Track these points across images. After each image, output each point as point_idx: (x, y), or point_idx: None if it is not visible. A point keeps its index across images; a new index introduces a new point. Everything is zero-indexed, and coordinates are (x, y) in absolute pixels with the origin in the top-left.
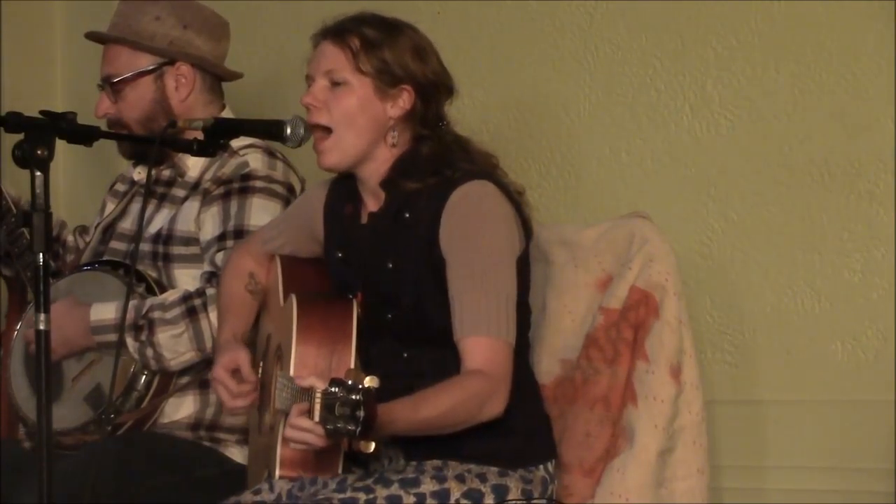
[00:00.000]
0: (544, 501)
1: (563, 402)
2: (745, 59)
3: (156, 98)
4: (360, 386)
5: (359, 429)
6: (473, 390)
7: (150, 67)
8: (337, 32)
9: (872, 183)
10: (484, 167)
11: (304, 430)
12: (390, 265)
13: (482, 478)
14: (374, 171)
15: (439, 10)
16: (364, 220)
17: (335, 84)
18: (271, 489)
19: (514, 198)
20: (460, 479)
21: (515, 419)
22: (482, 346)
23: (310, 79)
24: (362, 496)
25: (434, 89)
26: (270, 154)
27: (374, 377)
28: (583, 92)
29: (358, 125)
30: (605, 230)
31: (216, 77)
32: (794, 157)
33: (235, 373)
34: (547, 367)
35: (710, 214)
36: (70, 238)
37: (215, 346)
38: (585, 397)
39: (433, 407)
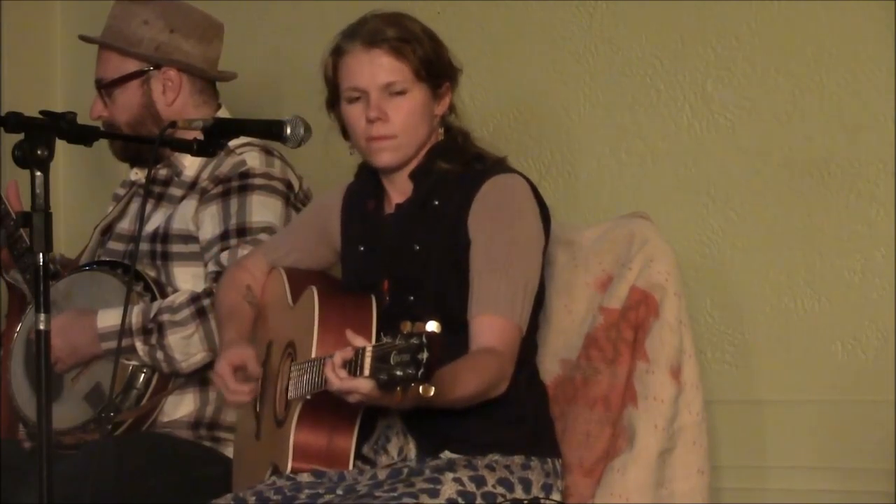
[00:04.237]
0: (559, 497)
1: (563, 402)
2: (745, 59)
3: (143, 102)
4: (419, 332)
5: (421, 370)
6: (491, 371)
7: (136, 72)
8: (385, 41)
9: (872, 183)
10: (503, 159)
11: (350, 387)
12: (417, 248)
13: (509, 469)
14: (406, 168)
15: (439, 11)
16: (390, 210)
17: (395, 94)
18: (291, 481)
19: (540, 196)
20: (490, 468)
21: (525, 411)
22: (496, 326)
23: (357, 91)
24: (402, 487)
25: (457, 74)
26: (267, 152)
27: (436, 322)
28: (583, 92)
29: (421, 128)
30: (605, 230)
31: (207, 80)
32: (794, 157)
33: (238, 370)
34: (547, 367)
35: (710, 214)
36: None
37: (219, 347)
38: (585, 397)
39: (465, 387)
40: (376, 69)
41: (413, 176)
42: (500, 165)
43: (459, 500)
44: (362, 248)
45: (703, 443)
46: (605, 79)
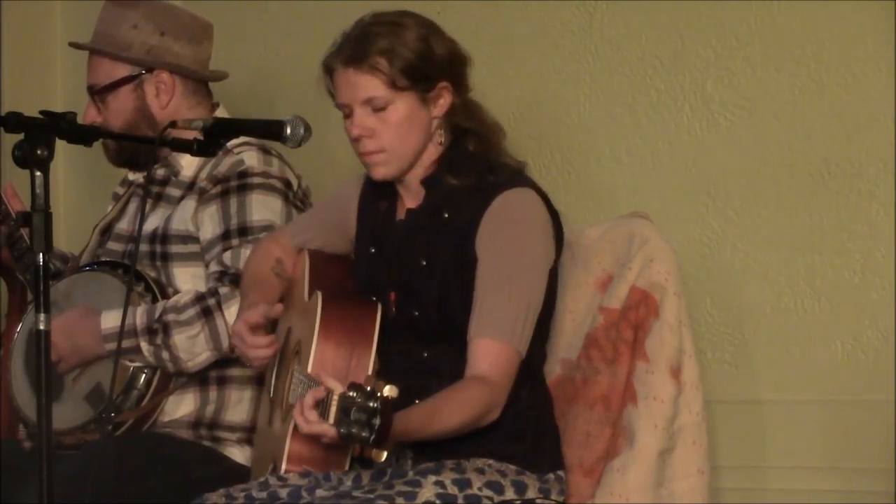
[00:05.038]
0: (562, 499)
1: (563, 402)
2: (745, 59)
3: (137, 106)
4: (379, 394)
5: (373, 437)
6: (479, 403)
7: (129, 76)
8: (359, 58)
9: (872, 183)
10: (520, 166)
11: (318, 431)
12: (423, 262)
13: (502, 473)
14: (417, 174)
15: (439, 11)
16: (401, 216)
17: (377, 109)
18: (281, 481)
19: (553, 207)
20: (480, 471)
21: (525, 426)
22: (492, 351)
23: (345, 107)
24: (381, 489)
25: (461, 70)
26: (265, 151)
27: (394, 387)
28: (583, 92)
29: (411, 138)
30: (605, 230)
31: (199, 80)
32: (794, 157)
33: (255, 329)
34: (547, 368)
35: (710, 214)
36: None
37: (239, 313)
38: (585, 397)
39: (445, 422)
40: (353, 88)
41: (425, 184)
42: (515, 177)
43: (437, 502)
44: (373, 250)
45: (702, 443)
46: (605, 79)
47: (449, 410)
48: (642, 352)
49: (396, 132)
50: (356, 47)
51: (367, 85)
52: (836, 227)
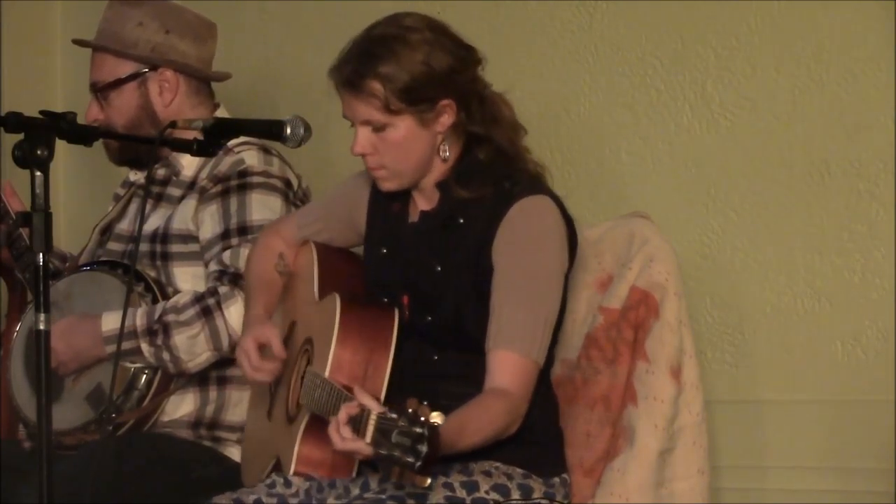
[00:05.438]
0: (566, 502)
1: (564, 402)
2: (745, 59)
3: (140, 104)
4: (423, 418)
5: (419, 463)
6: (502, 418)
7: (133, 73)
8: (354, 83)
9: (872, 183)
10: (537, 171)
11: (352, 448)
12: (438, 268)
13: (508, 476)
14: (431, 178)
15: (439, 11)
16: (414, 218)
17: (377, 129)
18: (286, 484)
19: (568, 214)
20: (487, 474)
21: (532, 430)
22: (511, 364)
23: (350, 120)
24: (391, 489)
25: (467, 79)
26: (266, 151)
27: (441, 413)
28: (583, 92)
29: (412, 157)
30: (605, 230)
31: (203, 79)
32: (794, 157)
33: (263, 347)
34: None
35: (710, 214)
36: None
37: (245, 321)
38: (585, 397)
39: (471, 438)
40: (351, 110)
41: (440, 187)
42: (531, 184)
43: None
44: (384, 251)
45: (703, 443)
46: (605, 79)
47: (474, 428)
48: (642, 352)
49: (396, 152)
50: (353, 70)
51: (363, 108)
52: (836, 227)
